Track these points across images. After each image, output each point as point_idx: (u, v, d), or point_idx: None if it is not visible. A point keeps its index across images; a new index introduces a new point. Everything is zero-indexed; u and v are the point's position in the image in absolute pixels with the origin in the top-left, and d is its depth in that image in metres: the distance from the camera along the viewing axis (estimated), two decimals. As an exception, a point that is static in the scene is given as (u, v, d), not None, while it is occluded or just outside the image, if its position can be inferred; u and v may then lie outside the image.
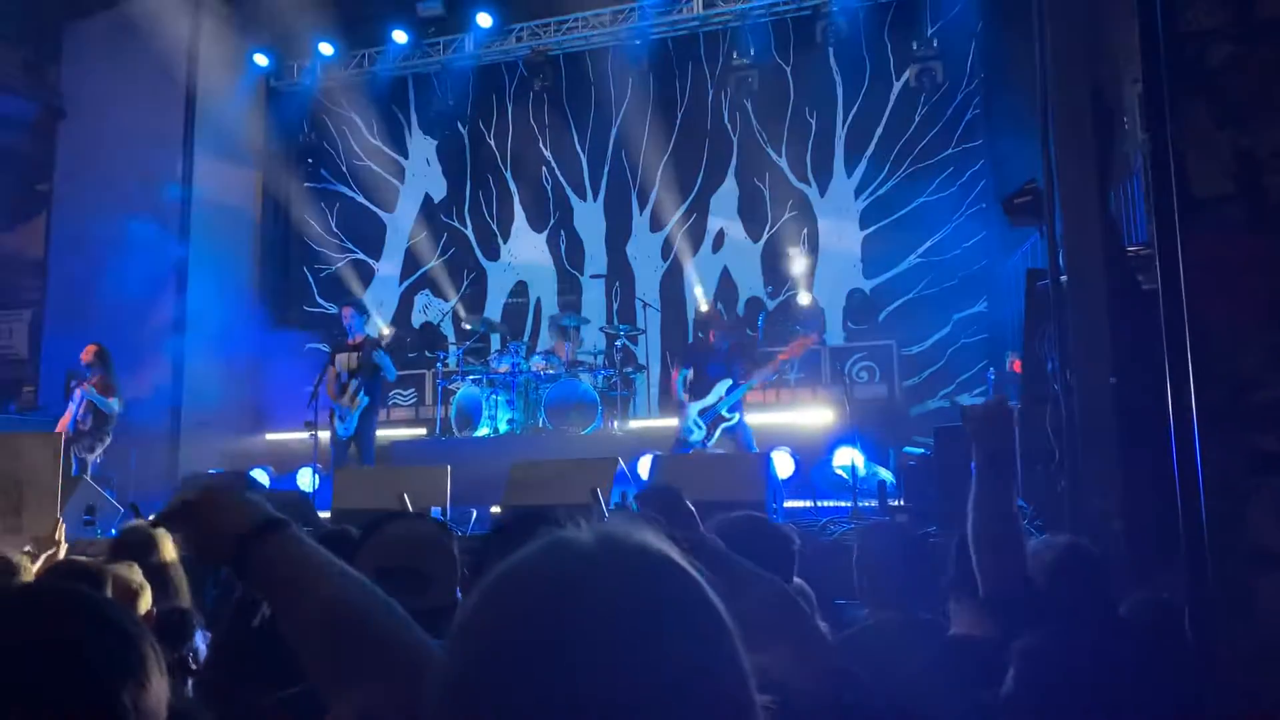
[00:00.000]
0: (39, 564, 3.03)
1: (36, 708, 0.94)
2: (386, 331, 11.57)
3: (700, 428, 7.76)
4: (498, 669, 0.69)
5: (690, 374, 7.96)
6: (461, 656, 0.72)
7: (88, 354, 8.54)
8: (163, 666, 1.05)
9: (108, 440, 8.48)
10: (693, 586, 0.75)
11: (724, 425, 7.74)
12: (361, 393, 8.29)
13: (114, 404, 8.43)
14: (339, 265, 12.94)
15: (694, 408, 7.80)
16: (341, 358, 8.49)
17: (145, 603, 2.73)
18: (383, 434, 9.21)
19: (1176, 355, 1.87)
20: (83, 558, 2.91)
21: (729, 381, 7.72)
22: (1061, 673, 1.85)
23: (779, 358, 7.97)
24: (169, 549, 3.23)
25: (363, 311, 8.75)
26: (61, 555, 3.24)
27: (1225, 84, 1.91)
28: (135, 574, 2.74)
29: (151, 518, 1.14)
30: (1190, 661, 1.99)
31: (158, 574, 3.12)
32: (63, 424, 8.37)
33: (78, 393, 8.40)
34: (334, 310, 11.27)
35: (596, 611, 0.69)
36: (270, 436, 11.06)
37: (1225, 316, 1.84)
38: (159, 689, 1.03)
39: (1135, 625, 2.20)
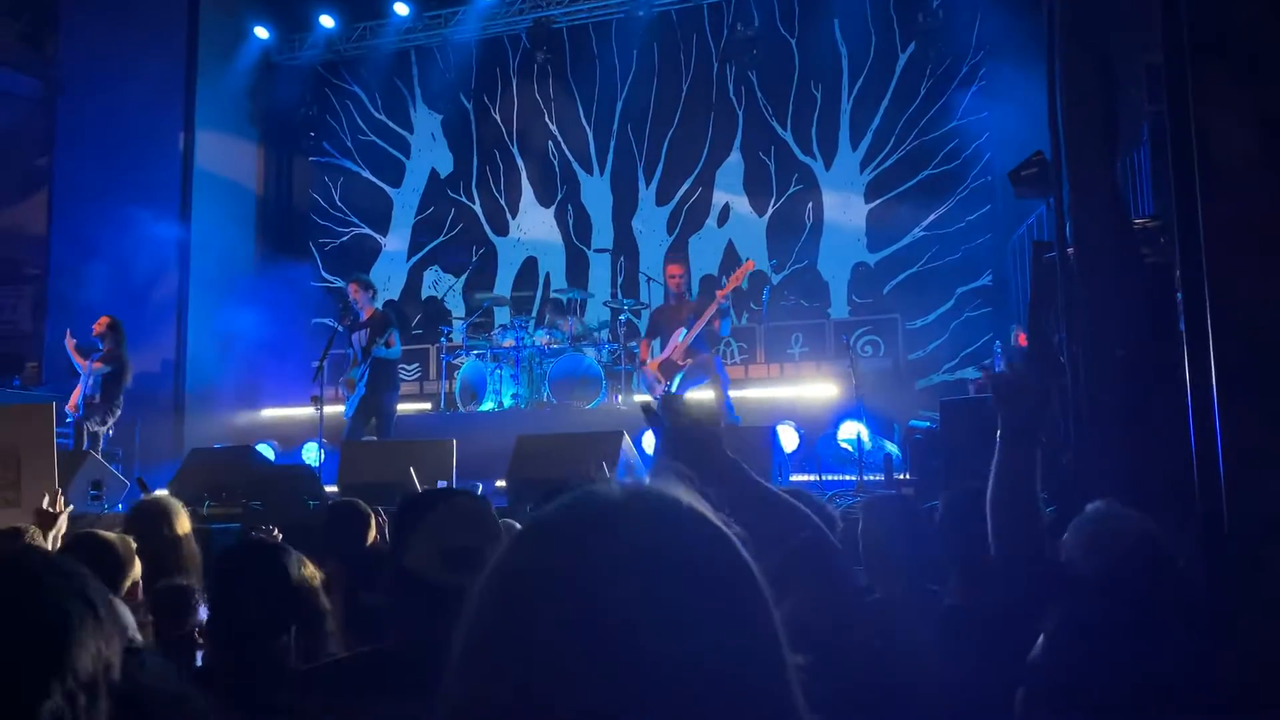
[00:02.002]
0: (51, 535, 3.04)
1: None
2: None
3: (660, 381, 7.94)
4: (524, 611, 0.69)
5: (658, 342, 8.15)
6: (489, 599, 0.73)
7: (100, 325, 8.51)
8: (109, 628, 1.03)
9: (118, 412, 8.46)
10: (721, 539, 0.75)
11: (679, 373, 7.88)
12: (362, 383, 8.18)
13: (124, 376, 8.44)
14: (344, 239, 12.90)
15: (652, 364, 8.05)
16: (354, 336, 8.41)
17: (134, 574, 2.76)
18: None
19: (1195, 321, 1.86)
20: (100, 530, 2.92)
21: (684, 331, 7.89)
22: (1107, 649, 1.82)
23: (719, 293, 8.00)
24: (183, 522, 3.23)
25: (367, 287, 8.66)
26: (64, 527, 3.25)
27: (1247, 46, 1.88)
28: (127, 544, 2.79)
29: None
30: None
31: (171, 547, 3.13)
32: (74, 401, 8.37)
33: (85, 367, 8.38)
34: (340, 284, 11.25)
35: (624, 556, 0.70)
36: (275, 411, 11.07)
37: (1246, 281, 1.83)
38: (97, 648, 1.00)
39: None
